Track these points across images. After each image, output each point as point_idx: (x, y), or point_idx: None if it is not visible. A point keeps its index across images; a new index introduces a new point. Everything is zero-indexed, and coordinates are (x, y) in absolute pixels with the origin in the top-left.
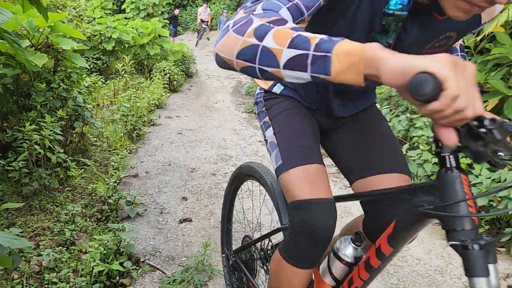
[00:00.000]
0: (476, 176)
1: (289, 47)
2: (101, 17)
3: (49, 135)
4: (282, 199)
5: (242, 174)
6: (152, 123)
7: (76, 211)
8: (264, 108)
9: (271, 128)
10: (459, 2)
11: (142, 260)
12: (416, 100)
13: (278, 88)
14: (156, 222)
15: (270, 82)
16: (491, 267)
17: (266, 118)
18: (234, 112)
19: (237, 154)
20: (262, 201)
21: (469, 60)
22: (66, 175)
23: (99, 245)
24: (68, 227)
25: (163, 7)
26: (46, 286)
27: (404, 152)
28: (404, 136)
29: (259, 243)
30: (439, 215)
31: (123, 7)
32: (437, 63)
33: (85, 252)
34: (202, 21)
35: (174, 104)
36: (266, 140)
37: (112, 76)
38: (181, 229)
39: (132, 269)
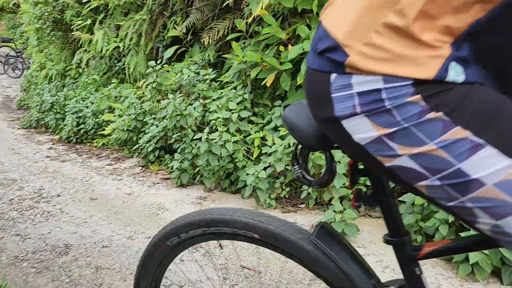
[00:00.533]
0: (270, 146)
1: None
2: None
3: None
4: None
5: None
6: None
7: None
8: (435, 114)
9: (485, 147)
10: None
11: None
12: None
13: (457, 73)
14: None
15: (432, 65)
16: None
17: (457, 131)
18: (8, 129)
19: (22, 175)
20: None
21: (243, 43)
22: None
23: None
24: None
25: None
26: None
27: (206, 136)
28: (202, 122)
29: None
30: None
31: None
32: None
33: None
34: None
35: None
36: (475, 180)
37: None
38: None
39: None
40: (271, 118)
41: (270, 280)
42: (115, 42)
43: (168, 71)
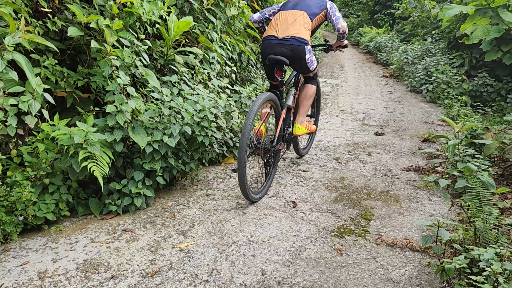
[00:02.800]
0: None
1: None
2: None
3: None
4: None
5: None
6: None
7: None
8: (310, 49)
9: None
10: None
11: None
12: None
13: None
14: None
15: (309, 41)
16: None
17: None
18: None
19: None
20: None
21: None
22: None
23: None
24: None
25: None
26: None
27: None
28: None
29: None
30: None
31: None
32: None
33: None
34: None
35: None
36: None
37: None
38: None
39: None
40: None
41: None
42: None
43: None
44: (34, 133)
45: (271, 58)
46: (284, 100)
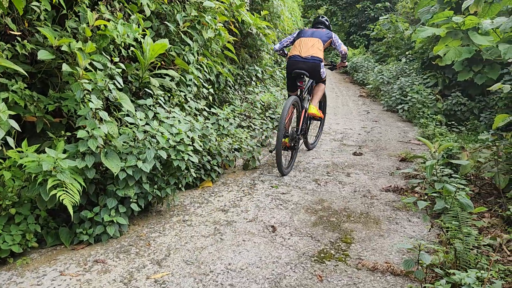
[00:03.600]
0: None
1: None
2: None
3: None
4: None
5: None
6: None
7: None
8: (324, 67)
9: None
10: None
11: None
12: None
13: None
14: None
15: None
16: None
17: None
18: None
19: None
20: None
21: None
22: None
23: None
24: None
25: None
26: None
27: None
28: None
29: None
30: None
31: None
32: None
33: None
34: None
35: None
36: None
37: None
38: None
39: None
40: None
41: None
42: None
43: None
44: (0, 160)
45: (296, 72)
46: (303, 103)
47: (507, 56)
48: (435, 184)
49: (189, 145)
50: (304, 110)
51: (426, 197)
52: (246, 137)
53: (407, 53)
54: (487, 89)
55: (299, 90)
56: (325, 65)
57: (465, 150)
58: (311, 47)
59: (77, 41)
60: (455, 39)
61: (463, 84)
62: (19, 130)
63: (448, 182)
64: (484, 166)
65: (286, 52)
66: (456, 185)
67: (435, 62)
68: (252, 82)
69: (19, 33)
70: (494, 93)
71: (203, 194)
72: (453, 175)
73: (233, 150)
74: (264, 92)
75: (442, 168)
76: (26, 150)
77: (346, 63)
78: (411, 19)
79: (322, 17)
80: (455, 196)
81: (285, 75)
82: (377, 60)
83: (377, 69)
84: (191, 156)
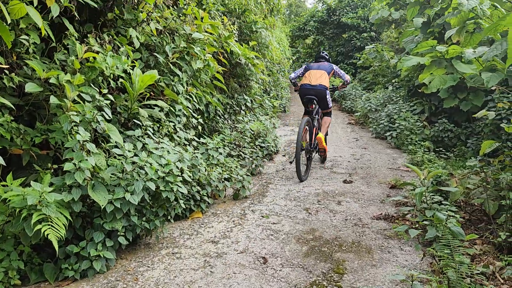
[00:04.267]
0: None
1: None
2: None
3: None
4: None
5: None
6: None
7: None
8: (329, 94)
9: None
10: None
11: None
12: None
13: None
14: None
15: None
16: None
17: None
18: None
19: None
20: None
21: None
22: None
23: None
24: None
25: None
26: None
27: None
28: None
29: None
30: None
31: None
32: None
33: None
34: None
35: None
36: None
37: None
38: None
39: None
40: None
41: None
42: None
43: None
44: None
45: (307, 97)
46: (313, 122)
47: (490, 84)
48: (425, 212)
49: (178, 175)
50: (315, 128)
51: (417, 225)
52: (236, 166)
53: (393, 81)
54: (473, 115)
55: (311, 111)
56: (330, 90)
57: (454, 177)
58: (319, 77)
59: (65, 73)
60: (439, 67)
61: (449, 111)
62: (4, 164)
63: (439, 210)
64: (473, 192)
65: (297, 82)
66: (446, 213)
67: (421, 89)
68: (242, 111)
69: (7, 66)
70: (480, 119)
71: (193, 225)
72: (443, 202)
73: (223, 179)
74: (254, 120)
75: (432, 195)
76: (11, 184)
77: (346, 86)
78: (396, 48)
79: (323, 52)
80: (446, 224)
81: (273, 104)
82: (364, 88)
83: (365, 97)
84: (180, 187)
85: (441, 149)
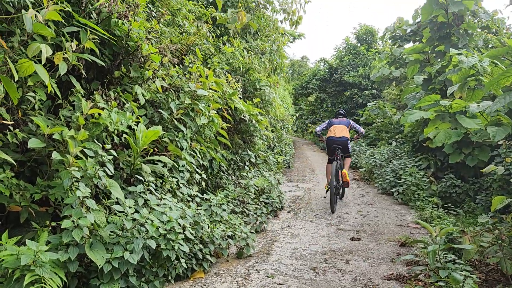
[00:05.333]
0: None
1: None
2: None
3: None
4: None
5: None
6: None
7: None
8: (349, 143)
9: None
10: None
11: None
12: None
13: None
14: None
15: None
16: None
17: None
18: None
19: None
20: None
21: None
22: None
23: None
24: None
25: None
26: None
27: None
28: None
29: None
30: None
31: None
32: None
33: None
34: None
35: None
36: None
37: None
38: None
39: None
40: None
41: None
42: None
43: None
44: None
45: (334, 146)
46: (339, 165)
47: (497, 138)
48: (439, 271)
49: (180, 233)
50: (341, 170)
51: (432, 286)
52: (240, 223)
53: (396, 136)
54: (481, 171)
55: (336, 157)
56: (350, 140)
57: (466, 234)
58: (341, 130)
59: (70, 129)
60: (443, 121)
61: (455, 166)
62: None
63: (453, 269)
64: (488, 250)
65: (321, 134)
66: (462, 273)
67: (426, 144)
68: (246, 167)
69: (12, 122)
70: (487, 174)
71: (195, 286)
72: (456, 261)
73: (226, 237)
74: (258, 176)
75: (445, 254)
76: (6, 243)
77: (360, 137)
78: (398, 104)
79: (341, 110)
80: (463, 285)
81: (277, 159)
82: (368, 144)
83: (369, 153)
84: (182, 245)
85: (449, 205)
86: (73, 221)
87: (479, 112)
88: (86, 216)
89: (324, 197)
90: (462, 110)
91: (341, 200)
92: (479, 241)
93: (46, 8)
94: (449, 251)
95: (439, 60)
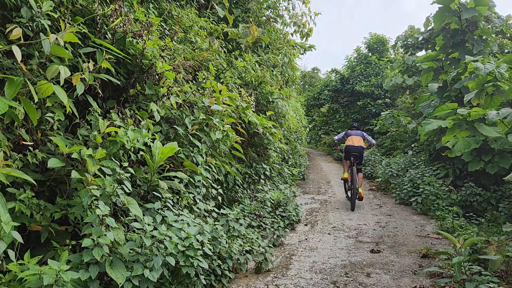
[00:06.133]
0: None
1: None
2: None
3: None
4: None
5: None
6: None
7: None
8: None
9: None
10: None
11: None
12: None
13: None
14: None
15: None
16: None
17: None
18: None
19: None
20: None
21: None
22: None
23: None
24: None
25: None
26: None
27: None
28: None
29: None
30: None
31: None
32: None
33: None
34: None
35: None
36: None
37: None
38: None
39: None
40: None
41: None
42: None
43: None
44: (0, 275)
45: (353, 154)
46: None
47: None
48: (465, 284)
49: (198, 249)
50: (357, 173)
51: None
52: (257, 238)
53: (412, 145)
54: (503, 178)
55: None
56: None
57: (491, 244)
58: (358, 140)
59: (87, 148)
60: (462, 130)
61: (475, 174)
62: (22, 242)
63: (480, 281)
64: None
65: (338, 143)
66: (489, 285)
67: (445, 153)
68: (261, 180)
69: (32, 143)
70: (510, 182)
71: None
72: (482, 272)
73: (244, 252)
74: (273, 189)
75: (470, 265)
76: (28, 262)
77: (371, 147)
78: (412, 113)
79: (355, 123)
80: None
81: (292, 172)
82: (383, 154)
83: (385, 162)
84: (200, 261)
85: (471, 214)
86: (93, 240)
87: (499, 119)
88: (105, 234)
89: (346, 197)
90: (481, 117)
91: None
92: (505, 251)
93: (64, 31)
94: (474, 262)
95: (453, 67)
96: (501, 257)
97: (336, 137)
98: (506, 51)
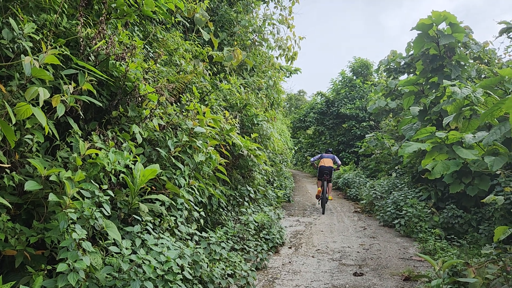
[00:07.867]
0: None
1: None
2: None
3: None
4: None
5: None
6: None
7: None
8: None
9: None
10: None
11: None
12: None
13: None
14: None
15: None
16: None
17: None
18: None
19: None
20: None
21: None
22: None
23: None
24: None
25: None
26: None
27: None
28: None
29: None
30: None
31: None
32: None
33: None
34: None
35: None
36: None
37: None
38: None
39: None
40: None
41: None
42: None
43: None
44: None
45: (325, 172)
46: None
47: (494, 168)
48: None
49: (178, 273)
50: (327, 187)
51: None
52: (240, 261)
53: (396, 167)
54: (481, 201)
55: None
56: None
57: (471, 266)
58: (329, 162)
59: (67, 170)
60: (441, 153)
61: (456, 196)
62: None
63: None
64: (494, 283)
65: (315, 163)
66: None
67: (425, 176)
68: (245, 202)
69: (9, 165)
70: (489, 204)
71: None
72: None
73: (226, 276)
74: (258, 212)
75: (450, 287)
76: None
77: (339, 168)
78: (395, 135)
79: (329, 148)
80: None
81: (277, 194)
82: (367, 176)
83: (369, 184)
84: (180, 286)
85: (452, 236)
86: (68, 264)
87: (476, 142)
88: (82, 259)
89: (315, 204)
90: (459, 140)
91: (326, 203)
92: (484, 273)
93: (45, 53)
94: (454, 284)
95: (433, 91)
96: (480, 280)
97: (312, 159)
98: (483, 76)
